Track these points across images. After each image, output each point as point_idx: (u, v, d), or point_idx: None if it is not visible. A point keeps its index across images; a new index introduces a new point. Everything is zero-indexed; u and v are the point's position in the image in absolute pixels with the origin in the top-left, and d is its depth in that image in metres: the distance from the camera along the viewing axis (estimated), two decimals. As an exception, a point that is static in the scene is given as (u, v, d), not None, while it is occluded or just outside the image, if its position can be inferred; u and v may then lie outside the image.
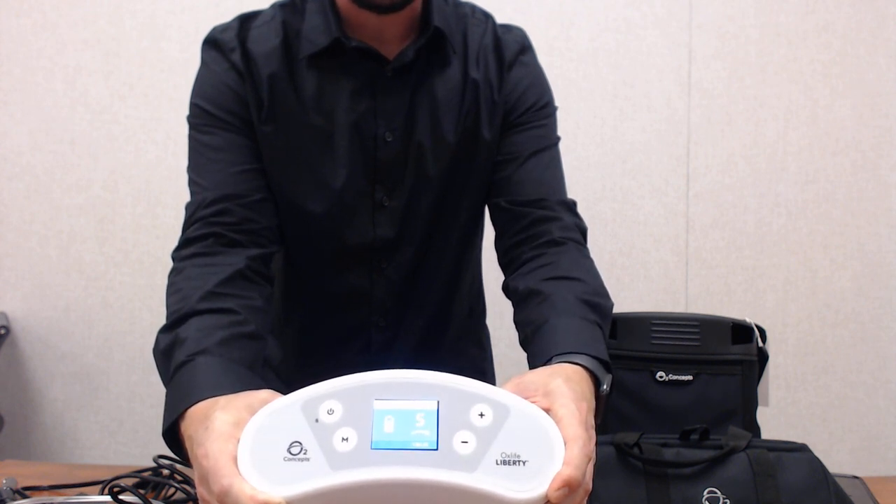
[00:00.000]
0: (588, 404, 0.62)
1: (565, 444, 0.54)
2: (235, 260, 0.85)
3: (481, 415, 0.54)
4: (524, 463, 0.52)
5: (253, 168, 0.92)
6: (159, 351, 0.77)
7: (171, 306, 0.80)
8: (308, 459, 0.51)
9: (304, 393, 0.55)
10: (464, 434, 0.52)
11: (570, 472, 0.52)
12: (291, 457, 0.51)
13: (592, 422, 0.62)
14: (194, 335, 0.74)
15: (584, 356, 0.72)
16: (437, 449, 0.51)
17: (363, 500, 0.51)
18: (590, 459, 0.55)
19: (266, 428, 0.53)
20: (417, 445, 0.51)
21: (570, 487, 0.51)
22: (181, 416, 0.65)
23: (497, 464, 0.51)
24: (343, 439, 0.52)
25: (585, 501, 0.56)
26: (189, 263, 0.85)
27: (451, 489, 0.50)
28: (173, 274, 0.85)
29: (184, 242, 0.87)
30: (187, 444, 0.63)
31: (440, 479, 0.50)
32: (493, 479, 0.50)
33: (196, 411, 0.63)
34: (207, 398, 0.64)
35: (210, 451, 0.55)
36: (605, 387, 0.71)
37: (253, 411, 0.56)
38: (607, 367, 0.74)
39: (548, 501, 0.51)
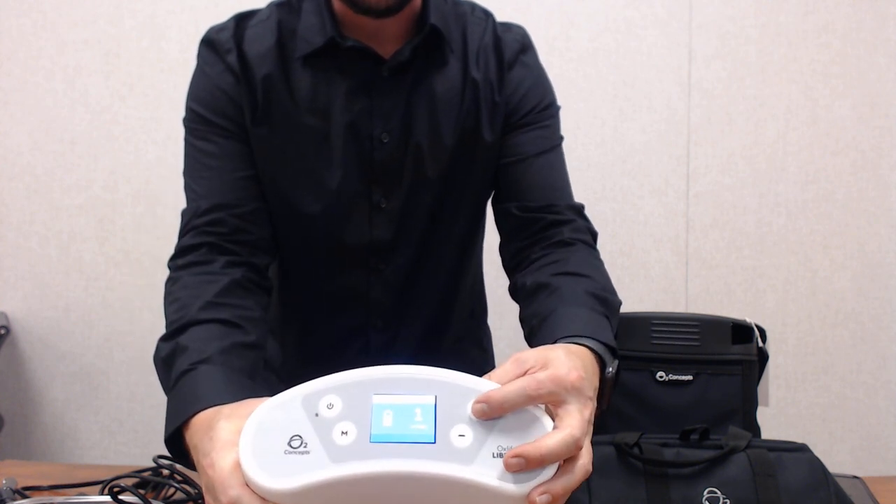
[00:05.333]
0: (588, 375, 0.61)
1: (555, 426, 0.54)
2: (231, 270, 0.86)
3: None
4: None
5: (247, 175, 0.92)
6: (160, 359, 0.77)
7: (170, 315, 0.81)
8: (308, 452, 0.51)
9: (304, 388, 0.55)
10: (461, 428, 0.53)
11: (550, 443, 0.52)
12: (292, 450, 0.52)
13: (591, 393, 0.59)
14: (195, 344, 0.75)
15: (589, 339, 0.71)
16: (434, 442, 0.52)
17: (362, 493, 0.51)
18: (579, 440, 0.54)
19: (267, 422, 0.53)
20: (415, 439, 0.52)
21: (526, 459, 0.51)
22: (185, 424, 0.66)
23: (493, 457, 0.52)
24: (342, 433, 0.52)
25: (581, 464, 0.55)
26: (185, 273, 0.86)
27: (449, 481, 0.51)
28: (170, 283, 0.86)
29: (179, 251, 0.88)
30: (192, 454, 0.63)
31: (438, 472, 0.51)
32: (489, 471, 0.51)
33: (200, 420, 0.64)
34: (210, 407, 0.64)
35: (216, 462, 0.55)
36: (610, 369, 0.70)
37: None
38: (614, 353, 0.73)
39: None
